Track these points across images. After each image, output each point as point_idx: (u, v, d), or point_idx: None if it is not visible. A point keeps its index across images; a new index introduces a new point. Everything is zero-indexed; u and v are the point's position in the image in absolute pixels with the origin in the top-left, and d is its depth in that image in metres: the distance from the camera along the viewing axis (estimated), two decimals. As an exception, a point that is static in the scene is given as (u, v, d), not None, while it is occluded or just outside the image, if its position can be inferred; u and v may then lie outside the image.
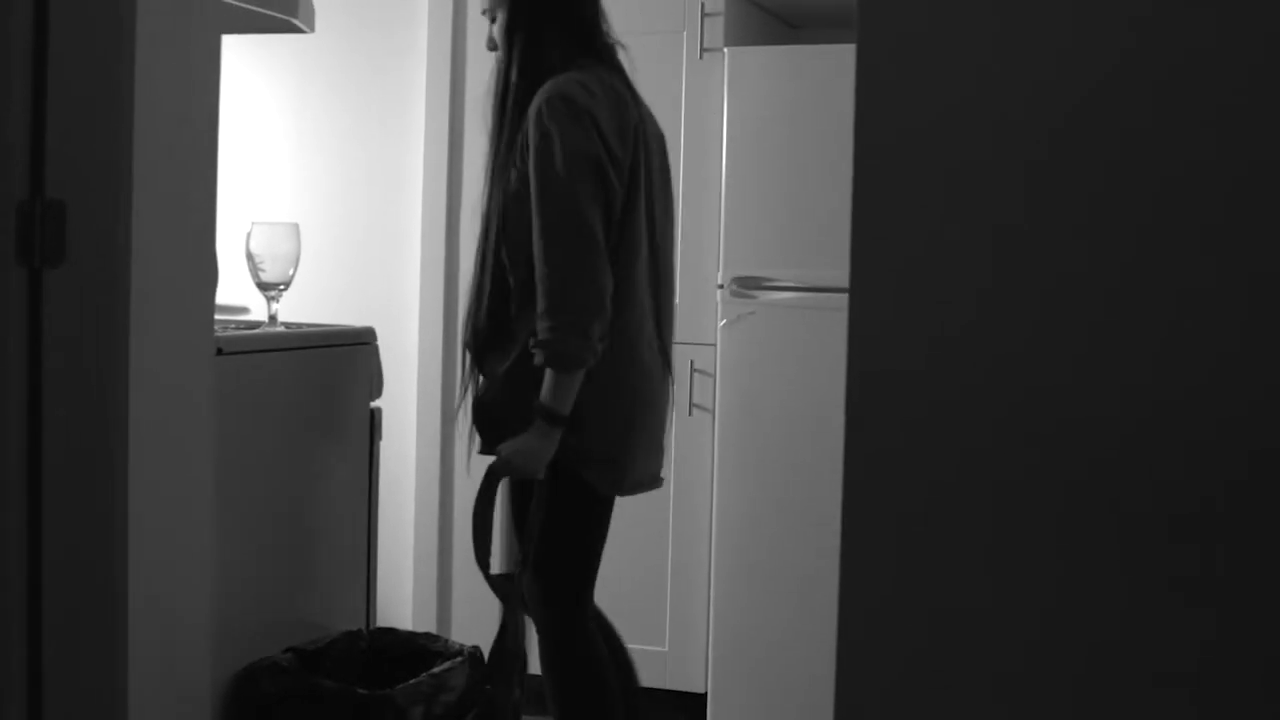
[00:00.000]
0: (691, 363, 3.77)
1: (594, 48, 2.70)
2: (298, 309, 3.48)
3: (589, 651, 2.68)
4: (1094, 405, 1.53)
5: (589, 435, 2.58)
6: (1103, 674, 1.53)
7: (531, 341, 2.54)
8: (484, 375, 2.68)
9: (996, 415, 1.56)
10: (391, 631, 2.96)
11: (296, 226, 2.96)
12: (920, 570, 1.59)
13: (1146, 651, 1.52)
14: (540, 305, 2.51)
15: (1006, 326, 1.55)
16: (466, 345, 2.70)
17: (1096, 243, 1.52)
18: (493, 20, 2.71)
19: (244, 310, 3.48)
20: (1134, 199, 1.51)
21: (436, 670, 2.68)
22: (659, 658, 3.81)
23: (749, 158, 3.66)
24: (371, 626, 3.05)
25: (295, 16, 3.04)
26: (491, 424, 2.66)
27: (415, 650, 2.86)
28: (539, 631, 2.70)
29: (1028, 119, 1.54)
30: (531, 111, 2.55)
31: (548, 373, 2.51)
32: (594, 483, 2.61)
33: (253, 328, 2.93)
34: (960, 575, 1.58)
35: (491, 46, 2.73)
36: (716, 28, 3.77)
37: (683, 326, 3.79)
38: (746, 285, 3.66)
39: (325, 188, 4.23)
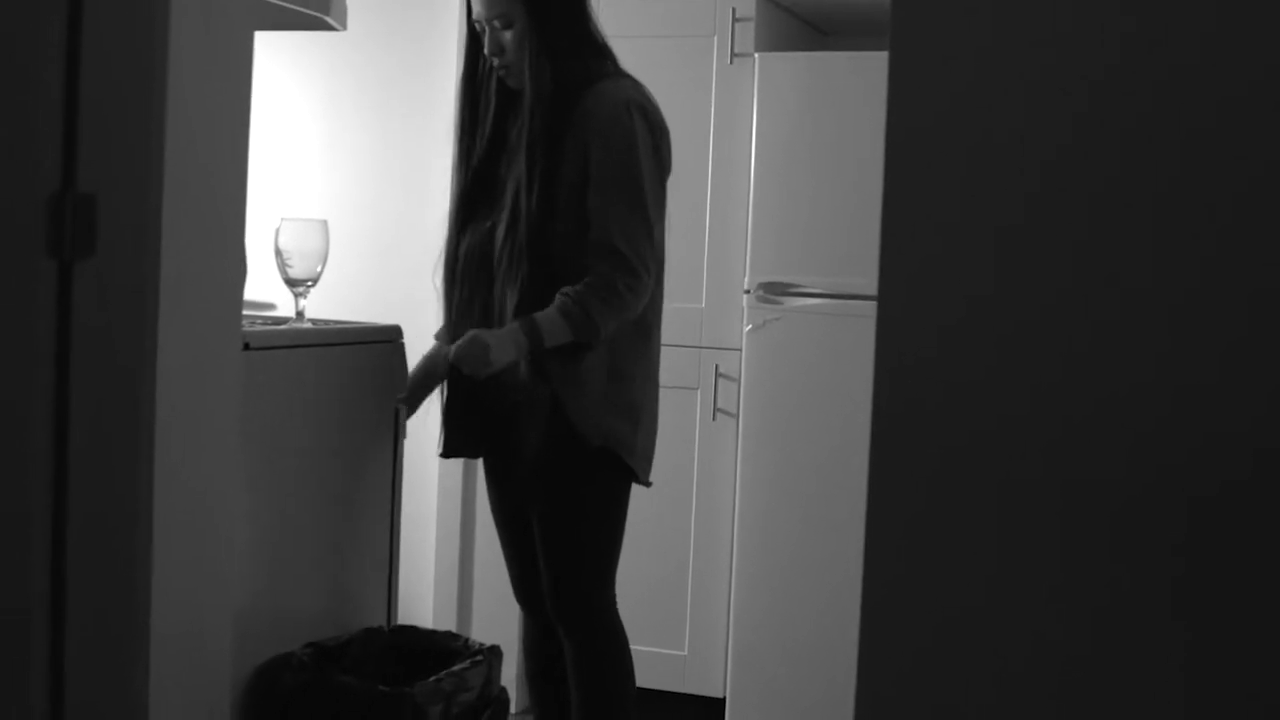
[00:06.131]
0: (716, 367, 3.77)
1: (608, 50, 2.72)
2: (325, 306, 3.48)
3: (627, 643, 2.76)
4: (1129, 405, 1.52)
5: (644, 431, 2.70)
6: (1118, 664, 1.53)
7: (573, 291, 2.55)
8: (549, 379, 2.61)
9: (1025, 420, 1.55)
10: (412, 629, 2.96)
11: (325, 223, 2.96)
12: (944, 576, 1.58)
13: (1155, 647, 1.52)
14: (609, 272, 2.56)
15: (1037, 332, 1.55)
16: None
17: (1126, 246, 1.52)
18: (504, 28, 2.63)
19: (271, 306, 3.48)
20: (1168, 206, 1.51)
21: (456, 669, 2.68)
22: (678, 661, 3.81)
23: (778, 163, 3.66)
24: (392, 624, 3.05)
25: (328, 14, 3.04)
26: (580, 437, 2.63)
27: (435, 648, 2.86)
28: (589, 635, 2.73)
29: (1061, 126, 1.54)
30: (606, 112, 2.60)
31: (560, 317, 2.54)
32: (639, 471, 2.70)
33: (280, 324, 2.94)
34: (982, 581, 1.57)
35: (497, 52, 2.66)
36: (747, 33, 3.76)
37: (708, 331, 3.79)
38: (773, 291, 3.66)
39: (354, 186, 4.24)
